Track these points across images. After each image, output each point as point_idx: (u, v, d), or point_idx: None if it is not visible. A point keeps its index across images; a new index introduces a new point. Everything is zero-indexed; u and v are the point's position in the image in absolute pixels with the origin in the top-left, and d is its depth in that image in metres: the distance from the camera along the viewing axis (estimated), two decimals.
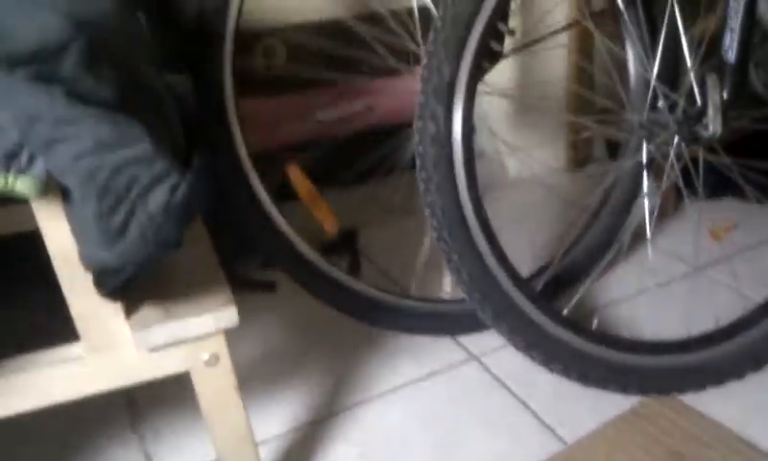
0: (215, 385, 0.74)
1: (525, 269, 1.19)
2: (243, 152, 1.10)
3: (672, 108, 1.04)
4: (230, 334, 0.72)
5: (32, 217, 0.61)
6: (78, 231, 0.61)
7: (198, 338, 0.71)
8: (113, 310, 0.67)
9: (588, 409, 0.99)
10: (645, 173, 1.19)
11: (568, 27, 1.56)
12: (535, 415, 1.00)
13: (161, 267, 0.71)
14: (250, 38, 1.46)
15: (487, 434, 0.97)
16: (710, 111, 0.95)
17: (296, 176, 1.32)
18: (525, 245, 1.42)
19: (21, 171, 0.54)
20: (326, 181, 1.40)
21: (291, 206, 1.22)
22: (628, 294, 1.26)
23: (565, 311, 1.03)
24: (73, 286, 0.65)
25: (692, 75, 0.99)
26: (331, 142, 1.47)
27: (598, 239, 1.25)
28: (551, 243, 1.41)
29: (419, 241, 1.23)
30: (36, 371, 0.67)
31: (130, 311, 0.69)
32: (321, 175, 1.38)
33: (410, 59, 1.27)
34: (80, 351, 0.68)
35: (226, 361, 0.73)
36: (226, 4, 1.05)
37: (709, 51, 1.01)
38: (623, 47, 1.24)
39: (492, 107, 1.64)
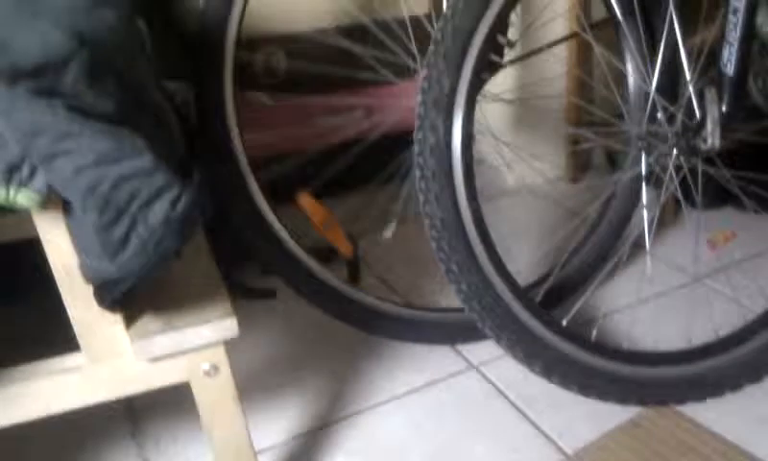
0: (215, 395, 0.74)
1: (524, 279, 1.20)
2: (243, 160, 1.10)
3: (671, 120, 1.05)
4: (230, 342, 0.73)
5: (32, 226, 0.62)
6: (79, 243, 0.62)
7: (198, 349, 0.71)
8: (113, 321, 0.68)
9: (588, 420, 0.99)
10: (644, 184, 1.19)
11: (567, 38, 1.57)
12: (534, 425, 1.00)
13: (162, 277, 0.71)
14: (251, 46, 1.46)
15: (486, 444, 0.97)
16: (709, 125, 0.96)
17: (309, 204, 1.31)
18: (524, 255, 1.42)
19: (22, 184, 0.55)
20: (325, 189, 1.40)
21: (289, 212, 1.22)
22: (627, 304, 1.26)
23: (565, 322, 1.03)
24: (74, 297, 0.65)
25: (691, 88, 0.99)
26: (329, 149, 1.48)
27: (598, 249, 1.25)
28: (550, 253, 1.41)
29: (419, 249, 1.23)
30: (37, 381, 0.68)
31: (130, 322, 0.70)
32: (320, 183, 1.38)
33: (407, 69, 1.28)
34: (80, 362, 0.69)
35: (225, 372, 0.73)
36: (227, 11, 1.05)
37: (709, 63, 1.01)
38: (622, 59, 1.24)
39: (493, 116, 1.64)
